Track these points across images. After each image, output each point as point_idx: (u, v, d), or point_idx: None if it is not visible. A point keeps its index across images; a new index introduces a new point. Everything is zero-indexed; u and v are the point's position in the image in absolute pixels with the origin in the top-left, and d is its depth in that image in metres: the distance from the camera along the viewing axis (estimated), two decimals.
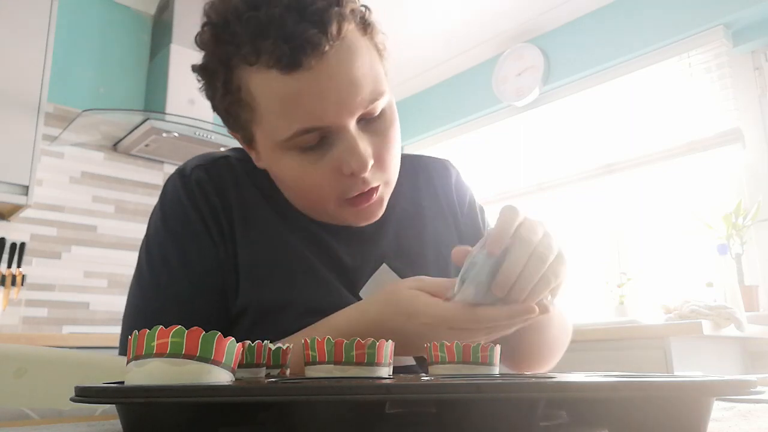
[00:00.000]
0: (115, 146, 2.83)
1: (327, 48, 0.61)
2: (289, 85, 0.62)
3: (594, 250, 2.85)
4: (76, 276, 2.67)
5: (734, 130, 2.33)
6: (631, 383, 0.34)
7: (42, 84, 2.41)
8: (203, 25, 0.67)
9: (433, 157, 0.91)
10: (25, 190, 2.31)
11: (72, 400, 0.35)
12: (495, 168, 3.25)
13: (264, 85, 0.63)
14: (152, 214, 0.76)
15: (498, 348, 0.52)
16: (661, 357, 1.83)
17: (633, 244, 2.69)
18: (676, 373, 1.38)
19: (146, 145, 2.74)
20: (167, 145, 2.70)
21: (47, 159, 2.64)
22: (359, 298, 0.74)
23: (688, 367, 1.86)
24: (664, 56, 2.56)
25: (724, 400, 0.56)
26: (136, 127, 2.64)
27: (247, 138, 0.71)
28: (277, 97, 0.63)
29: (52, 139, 2.65)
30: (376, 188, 0.69)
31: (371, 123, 0.67)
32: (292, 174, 0.68)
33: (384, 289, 0.63)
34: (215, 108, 0.71)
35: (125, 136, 2.74)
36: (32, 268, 2.55)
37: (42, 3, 2.47)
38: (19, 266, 2.49)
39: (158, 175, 2.95)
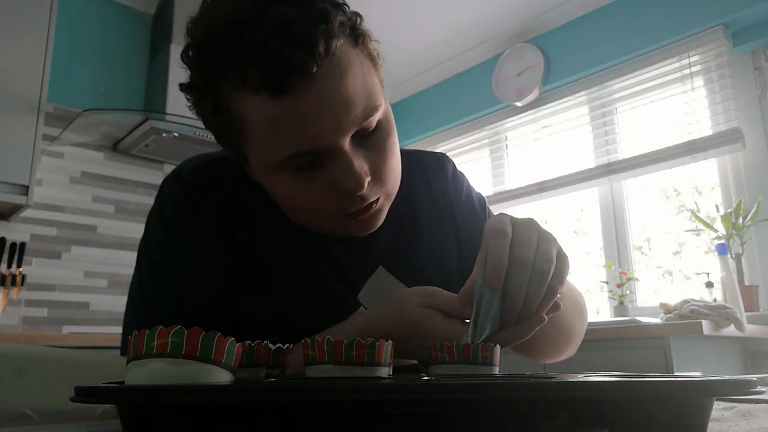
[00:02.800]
0: (115, 146, 2.83)
1: (315, 69, 0.58)
2: (279, 110, 0.59)
3: (594, 250, 2.85)
4: (76, 276, 2.67)
5: (734, 130, 2.33)
6: (631, 383, 0.34)
7: (42, 84, 2.41)
8: (187, 45, 0.64)
9: (428, 152, 0.90)
10: (25, 190, 2.31)
11: (72, 400, 0.35)
12: (495, 168, 3.25)
13: (252, 109, 0.61)
14: (150, 217, 0.75)
15: (498, 348, 0.52)
16: (661, 357, 1.83)
17: (633, 244, 2.70)
18: (676, 373, 1.38)
19: (146, 145, 2.74)
20: (167, 145, 2.70)
21: (47, 159, 2.64)
22: (359, 302, 0.74)
23: (688, 367, 1.86)
24: (664, 56, 2.56)
25: (724, 400, 0.56)
26: (136, 127, 2.64)
27: (240, 156, 0.69)
28: (267, 122, 0.61)
29: (52, 139, 2.65)
30: (376, 201, 0.68)
31: (367, 138, 0.65)
32: (288, 193, 0.67)
33: (392, 303, 0.62)
34: (206, 126, 0.69)
35: (125, 136, 2.74)
36: (32, 268, 2.55)
37: (42, 3, 2.46)
38: (19, 266, 2.49)
39: (158, 175, 2.95)
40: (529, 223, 0.57)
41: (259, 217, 0.73)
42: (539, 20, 2.98)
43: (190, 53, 0.64)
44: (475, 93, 3.28)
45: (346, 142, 0.62)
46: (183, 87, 0.67)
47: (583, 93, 2.87)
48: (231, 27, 0.59)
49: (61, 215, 2.67)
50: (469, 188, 0.89)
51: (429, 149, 3.81)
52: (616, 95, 2.78)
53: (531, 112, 3.05)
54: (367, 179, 0.64)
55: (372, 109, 0.63)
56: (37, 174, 2.41)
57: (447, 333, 0.57)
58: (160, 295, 0.70)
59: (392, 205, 0.76)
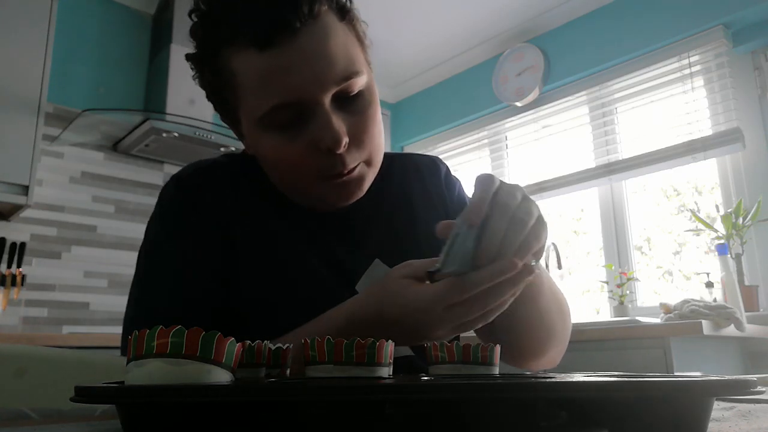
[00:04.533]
0: (115, 146, 2.83)
1: (298, 25, 0.64)
2: (264, 62, 0.65)
3: (594, 250, 2.85)
4: (76, 276, 2.67)
5: (734, 130, 2.33)
6: (631, 383, 0.34)
7: (42, 84, 2.41)
8: (190, 13, 0.70)
9: (422, 155, 0.94)
10: (25, 190, 2.31)
11: (72, 400, 0.35)
12: (495, 168, 3.25)
13: (242, 63, 0.66)
14: (150, 220, 0.76)
15: (498, 348, 0.52)
16: (661, 357, 1.83)
17: (633, 244, 2.70)
18: (676, 373, 1.38)
19: (146, 145, 2.73)
20: (167, 145, 2.70)
21: (47, 159, 2.64)
22: (355, 293, 0.74)
23: (688, 367, 1.86)
24: (664, 56, 2.56)
25: (724, 400, 0.56)
26: (136, 127, 2.64)
27: (235, 123, 0.74)
28: (254, 74, 0.66)
29: (52, 139, 2.65)
30: (356, 167, 0.70)
31: (348, 102, 0.68)
32: (273, 153, 0.70)
33: (378, 283, 0.63)
34: (209, 97, 0.74)
35: (125, 136, 2.74)
36: (32, 268, 2.55)
37: (42, 3, 2.46)
38: (19, 266, 2.48)
39: (158, 175, 2.95)
40: (516, 185, 0.59)
41: (257, 214, 0.75)
42: (539, 20, 2.98)
43: (194, 22, 0.69)
44: (475, 93, 3.28)
45: (327, 100, 0.66)
46: (188, 56, 0.72)
47: (583, 93, 2.87)
48: None
49: (61, 215, 2.67)
50: (461, 189, 0.92)
51: (429, 149, 3.79)
52: (616, 95, 2.78)
53: (531, 112, 3.05)
54: (345, 139, 0.67)
55: (352, 73, 0.67)
56: (37, 174, 2.41)
57: (423, 294, 0.56)
58: (160, 294, 0.70)
59: (388, 200, 0.79)
